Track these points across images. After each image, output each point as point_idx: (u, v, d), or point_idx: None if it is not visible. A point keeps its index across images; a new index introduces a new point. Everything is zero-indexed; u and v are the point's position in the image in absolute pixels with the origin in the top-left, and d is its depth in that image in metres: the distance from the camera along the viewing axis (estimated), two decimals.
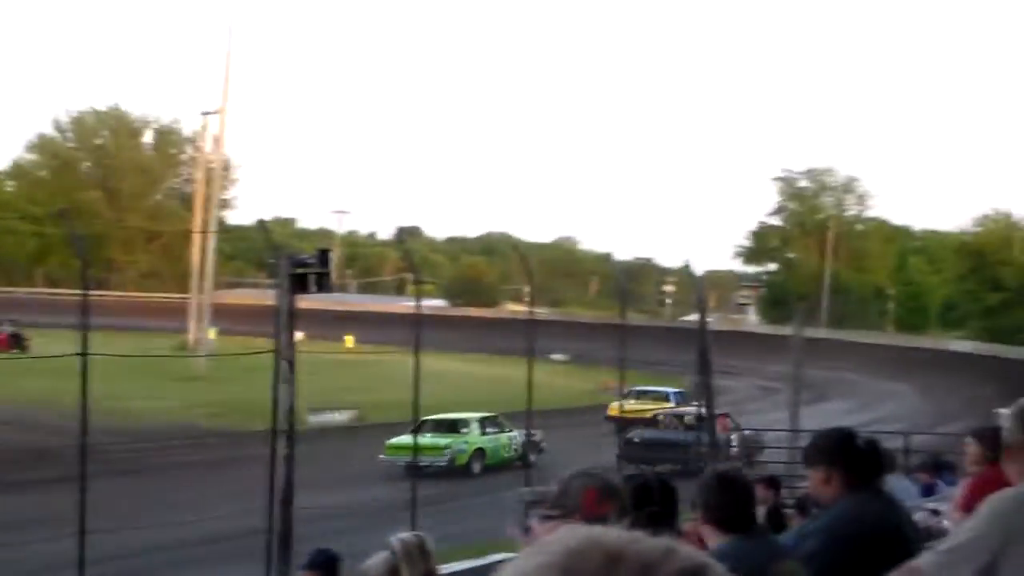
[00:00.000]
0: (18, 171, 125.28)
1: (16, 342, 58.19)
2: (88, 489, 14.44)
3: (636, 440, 32.54)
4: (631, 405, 36.24)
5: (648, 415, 36.53)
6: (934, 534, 7.07)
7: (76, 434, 14.78)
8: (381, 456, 29.63)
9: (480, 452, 31.85)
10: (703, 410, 23.70)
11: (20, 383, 38.74)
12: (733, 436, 31.76)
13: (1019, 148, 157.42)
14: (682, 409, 35.01)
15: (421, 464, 25.61)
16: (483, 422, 32.71)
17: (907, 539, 4.94)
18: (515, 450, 32.19)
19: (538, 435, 31.33)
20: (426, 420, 29.30)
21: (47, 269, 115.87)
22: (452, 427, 32.58)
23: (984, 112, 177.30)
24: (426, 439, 29.75)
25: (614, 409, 36.15)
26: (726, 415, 33.31)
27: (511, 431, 32.73)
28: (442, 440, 31.48)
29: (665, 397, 42.44)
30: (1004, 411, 4.13)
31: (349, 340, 71.46)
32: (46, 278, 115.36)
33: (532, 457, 30.15)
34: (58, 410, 31.74)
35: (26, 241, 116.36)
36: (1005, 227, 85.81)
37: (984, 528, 3.78)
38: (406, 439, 27.07)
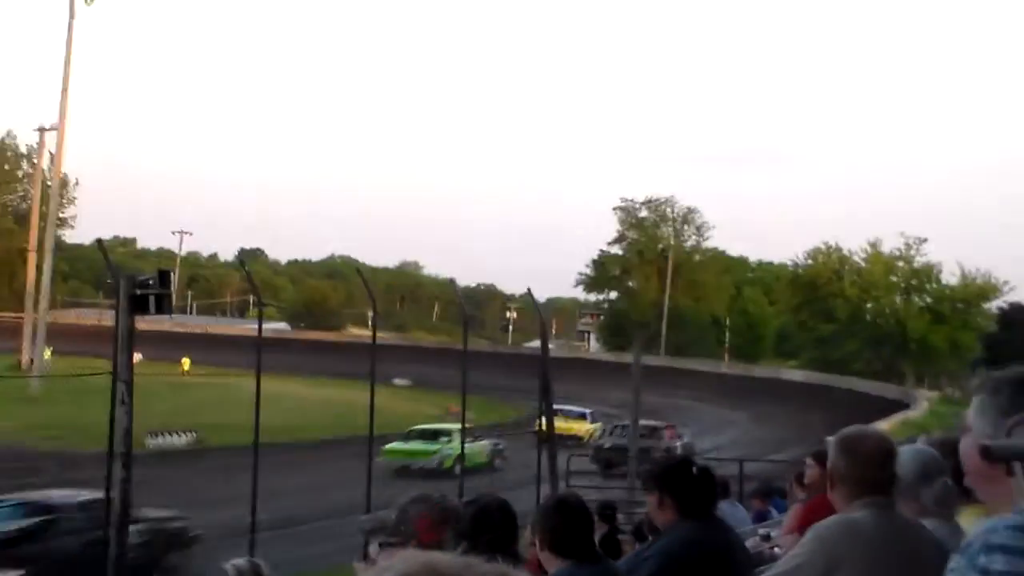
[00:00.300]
0: None
1: None
2: None
3: (607, 446, 38.36)
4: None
5: (575, 432, 43.95)
6: (766, 559, 7.30)
7: None
8: (377, 459, 29.31)
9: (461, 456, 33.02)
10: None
11: None
12: (679, 444, 38.92)
13: (848, 183, 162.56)
14: (646, 422, 38.04)
15: (413, 466, 33.41)
16: (463, 431, 33.38)
17: (739, 564, 5.09)
18: (487, 456, 36.57)
19: (502, 444, 37.88)
20: (414, 429, 37.46)
21: None
22: (435, 435, 37.04)
23: (815, 150, 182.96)
24: (417, 445, 36.10)
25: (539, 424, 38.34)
26: (672, 426, 42.98)
27: (484, 440, 37.63)
28: (432, 446, 35.93)
29: (582, 416, 49.21)
30: (832, 439, 4.29)
31: (186, 363, 70.05)
32: None
33: (497, 461, 36.47)
34: None
35: None
36: (836, 260, 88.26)
37: (808, 555, 3.94)
38: (397, 444, 35.33)
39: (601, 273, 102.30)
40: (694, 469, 5.06)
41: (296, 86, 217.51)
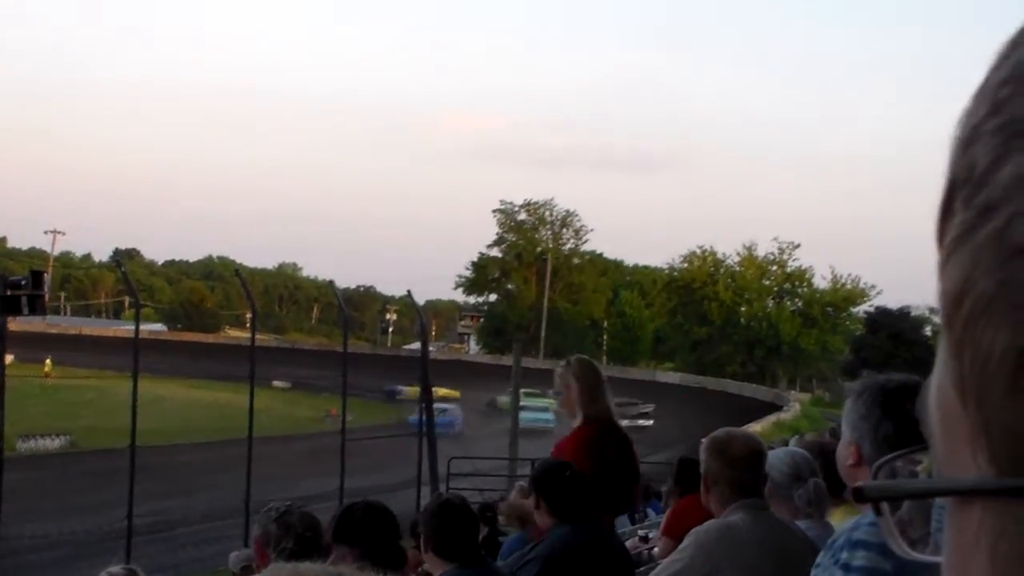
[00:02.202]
0: None
1: None
2: None
3: None
4: None
5: None
6: (644, 560, 7.46)
7: None
8: None
9: None
10: None
11: None
12: None
13: (721, 187, 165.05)
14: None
15: None
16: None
17: (620, 566, 5.23)
18: None
19: None
20: None
21: None
22: None
23: (691, 154, 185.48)
24: None
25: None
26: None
27: None
28: None
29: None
30: (703, 442, 4.39)
31: (48, 364, 68.07)
32: None
33: None
34: None
35: None
36: (711, 263, 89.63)
37: (688, 560, 4.05)
38: None
39: (480, 275, 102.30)
40: (568, 472, 5.12)
41: (167, 72, 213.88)
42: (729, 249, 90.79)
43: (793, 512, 4.52)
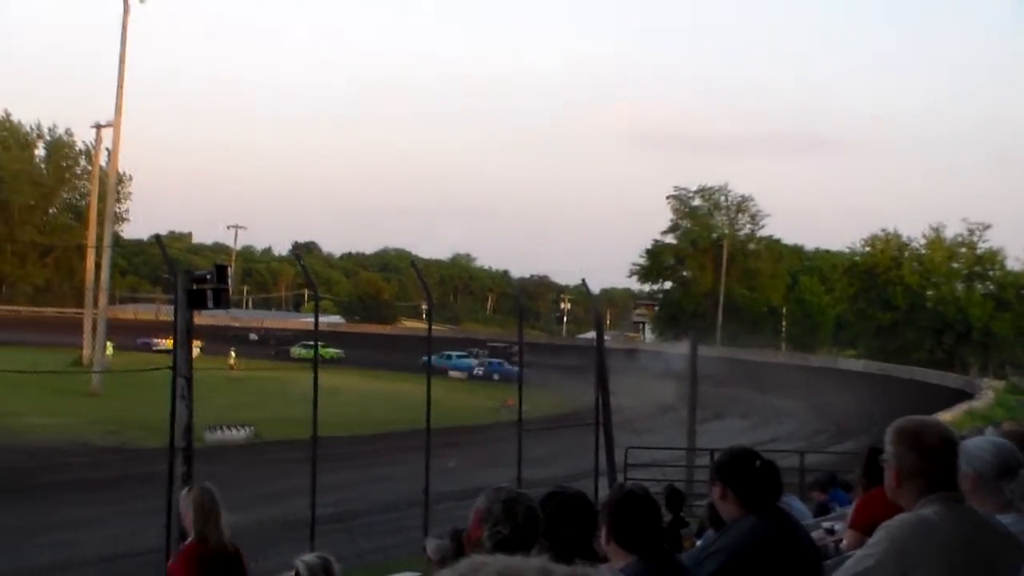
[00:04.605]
0: None
1: None
2: None
3: None
4: None
5: None
6: (831, 553, 7.18)
7: None
8: None
9: None
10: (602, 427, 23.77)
11: None
12: None
13: (908, 169, 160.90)
14: None
15: None
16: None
17: (807, 558, 5.00)
18: None
19: None
20: None
21: None
22: None
23: (876, 133, 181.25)
24: None
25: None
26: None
27: None
28: None
29: None
30: (889, 431, 4.12)
31: (232, 357, 70.16)
32: None
33: None
34: None
35: None
36: (895, 247, 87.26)
37: (881, 556, 3.79)
38: None
39: (655, 263, 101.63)
40: (757, 462, 4.96)
41: (349, 78, 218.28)
42: (914, 232, 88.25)
43: (999, 506, 4.23)
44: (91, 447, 35.23)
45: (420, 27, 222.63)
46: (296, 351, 79.79)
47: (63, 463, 31.79)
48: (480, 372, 72.44)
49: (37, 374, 39.30)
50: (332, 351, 74.95)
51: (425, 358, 26.11)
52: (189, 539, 7.57)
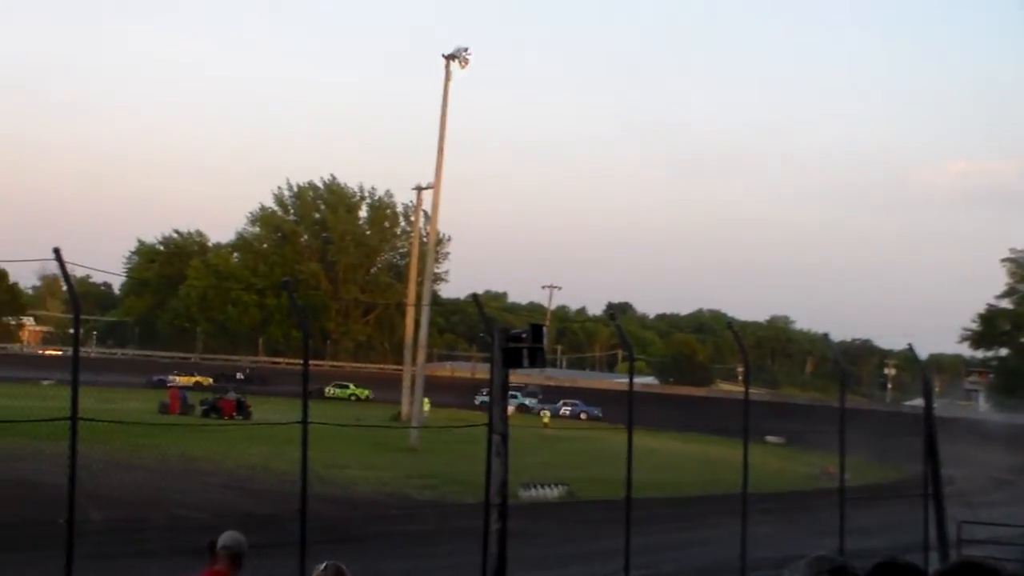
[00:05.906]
0: (242, 243, 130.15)
1: (240, 408, 60.97)
2: (307, 555, 14.27)
3: None
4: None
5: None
6: None
7: (294, 500, 14.61)
8: None
9: None
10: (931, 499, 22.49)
11: (243, 448, 39.85)
12: None
13: None
14: None
15: None
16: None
17: None
18: None
19: None
20: None
21: (268, 338, 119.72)
22: None
23: None
24: None
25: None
26: None
27: None
28: None
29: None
30: None
31: (545, 416, 70.98)
32: (267, 347, 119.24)
33: None
34: (276, 475, 32.41)
35: (249, 311, 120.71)
36: None
37: None
38: None
39: (988, 328, 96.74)
40: None
41: (650, 141, 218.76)
42: None
43: None
44: (410, 500, 36.03)
45: (757, 93, 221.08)
46: (330, 390, 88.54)
47: (384, 515, 32.61)
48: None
49: (358, 427, 40.64)
50: (365, 391, 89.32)
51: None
52: None
